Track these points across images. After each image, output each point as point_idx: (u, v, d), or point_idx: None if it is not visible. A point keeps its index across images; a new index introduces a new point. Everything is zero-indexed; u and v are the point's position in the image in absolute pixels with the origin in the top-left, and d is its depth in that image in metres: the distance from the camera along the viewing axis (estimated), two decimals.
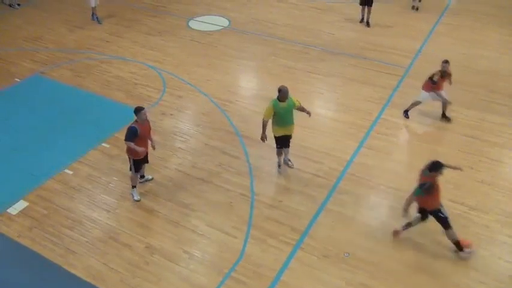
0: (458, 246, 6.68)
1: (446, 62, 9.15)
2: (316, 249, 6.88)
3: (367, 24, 14.02)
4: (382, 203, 7.81)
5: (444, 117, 9.67)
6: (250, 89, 11.14)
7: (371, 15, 13.99)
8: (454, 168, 6.80)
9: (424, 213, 6.75)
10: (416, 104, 9.63)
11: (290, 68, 11.76)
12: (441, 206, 6.59)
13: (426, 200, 6.51)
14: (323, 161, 8.56)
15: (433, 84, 9.20)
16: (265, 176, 8.25)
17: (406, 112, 9.81)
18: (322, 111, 10.14)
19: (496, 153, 8.85)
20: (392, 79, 11.25)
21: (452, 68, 9.37)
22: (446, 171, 6.52)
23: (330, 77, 11.43)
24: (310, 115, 7.96)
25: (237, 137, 9.22)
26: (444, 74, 9.16)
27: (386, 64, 11.93)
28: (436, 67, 9.26)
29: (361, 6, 13.96)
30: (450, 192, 7.70)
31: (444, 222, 6.56)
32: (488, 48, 12.83)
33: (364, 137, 9.21)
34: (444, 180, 8.14)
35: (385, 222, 7.36)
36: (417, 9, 15.19)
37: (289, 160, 8.34)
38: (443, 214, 6.55)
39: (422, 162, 8.77)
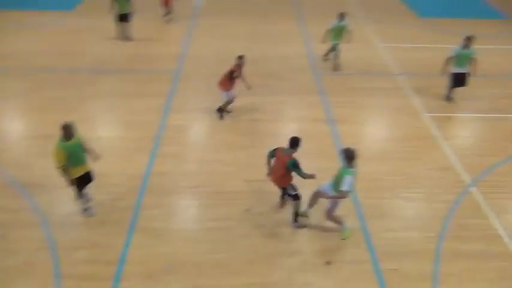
0: (297, 216, 7.30)
1: (241, 57, 9.78)
2: (138, 273, 6.61)
3: (128, 38, 14.04)
4: (191, 204, 7.98)
5: (223, 109, 10.37)
6: (20, 132, 9.85)
7: (130, 29, 14.06)
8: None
9: (284, 191, 7.11)
10: (229, 103, 10.12)
11: (58, 98, 10.88)
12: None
13: (288, 177, 6.83)
14: (120, 183, 8.24)
15: (234, 79, 9.74)
16: (62, 220, 7.45)
17: (220, 113, 10.22)
18: (107, 133, 9.76)
19: (273, 128, 10.07)
20: (166, 85, 11.56)
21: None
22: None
23: (104, 97, 11.03)
24: (98, 158, 7.42)
25: (17, 188, 8.09)
26: (239, 68, 9.80)
27: (157, 72, 12.19)
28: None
29: (117, 23, 13.88)
30: (250, 172, 8.43)
31: (295, 197, 7.07)
32: (241, 39, 14.42)
33: (155, 148, 9.25)
34: (244, 163, 8.87)
35: (198, 221, 7.59)
36: (169, 18, 15.83)
37: (89, 199, 7.62)
38: (295, 190, 7.06)
39: (218, 155, 9.28)
